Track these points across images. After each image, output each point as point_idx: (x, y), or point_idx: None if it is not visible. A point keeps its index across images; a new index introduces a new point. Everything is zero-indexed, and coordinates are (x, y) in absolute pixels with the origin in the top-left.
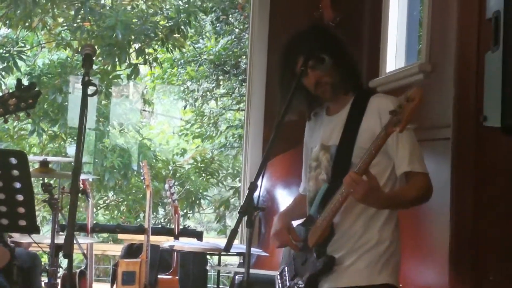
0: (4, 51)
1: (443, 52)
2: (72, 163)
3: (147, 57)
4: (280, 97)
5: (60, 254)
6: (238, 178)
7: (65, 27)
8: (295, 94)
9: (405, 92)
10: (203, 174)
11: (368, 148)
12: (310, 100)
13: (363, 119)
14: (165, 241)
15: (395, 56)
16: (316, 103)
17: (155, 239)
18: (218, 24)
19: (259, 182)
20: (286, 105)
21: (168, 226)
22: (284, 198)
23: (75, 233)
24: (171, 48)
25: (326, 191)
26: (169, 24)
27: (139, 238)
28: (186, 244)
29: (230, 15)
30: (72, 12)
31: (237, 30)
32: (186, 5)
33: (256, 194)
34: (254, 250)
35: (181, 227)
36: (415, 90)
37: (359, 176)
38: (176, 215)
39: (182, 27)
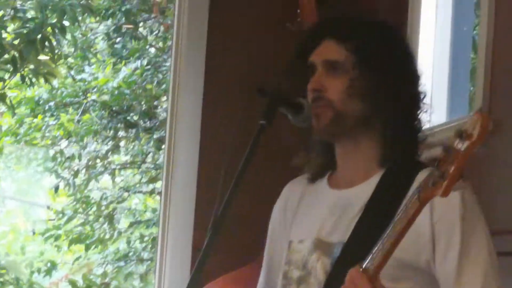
0: None
1: None
2: None
3: None
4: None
5: None
6: None
7: None
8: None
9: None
10: None
11: (390, 230)
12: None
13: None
14: None
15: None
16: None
17: None
18: (118, 39)
19: None
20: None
21: None
22: None
23: None
24: (32, 78)
25: None
26: (27, 30)
27: None
28: None
29: (141, 23)
30: None
31: (152, 50)
32: None
33: None
34: None
35: None
36: (474, 117)
37: (363, 275)
38: None
39: (52, 37)
